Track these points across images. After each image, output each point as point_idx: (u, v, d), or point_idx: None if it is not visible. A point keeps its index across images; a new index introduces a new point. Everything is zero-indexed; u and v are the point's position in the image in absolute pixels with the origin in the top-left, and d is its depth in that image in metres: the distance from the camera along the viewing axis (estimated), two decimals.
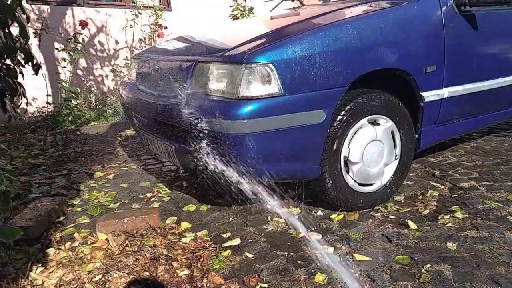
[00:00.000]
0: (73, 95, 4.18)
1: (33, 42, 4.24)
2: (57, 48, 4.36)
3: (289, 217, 1.87)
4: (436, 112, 2.22)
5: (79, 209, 2.20)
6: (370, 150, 1.96)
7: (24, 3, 4.40)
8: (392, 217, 1.96)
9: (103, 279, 1.53)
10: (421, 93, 2.09)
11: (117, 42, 5.10)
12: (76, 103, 4.36)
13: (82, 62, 4.82)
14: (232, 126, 1.63)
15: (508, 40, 2.56)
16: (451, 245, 1.66)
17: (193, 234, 1.86)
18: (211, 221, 2.00)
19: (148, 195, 2.36)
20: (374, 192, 2.04)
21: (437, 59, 2.13)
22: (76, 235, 1.87)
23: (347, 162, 1.95)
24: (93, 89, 4.90)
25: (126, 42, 5.12)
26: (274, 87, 1.66)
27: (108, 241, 1.77)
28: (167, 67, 2.12)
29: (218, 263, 1.61)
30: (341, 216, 1.98)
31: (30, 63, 1.83)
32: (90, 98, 4.76)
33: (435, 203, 2.07)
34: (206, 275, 1.53)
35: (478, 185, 2.26)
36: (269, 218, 2.00)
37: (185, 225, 1.96)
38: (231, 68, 1.71)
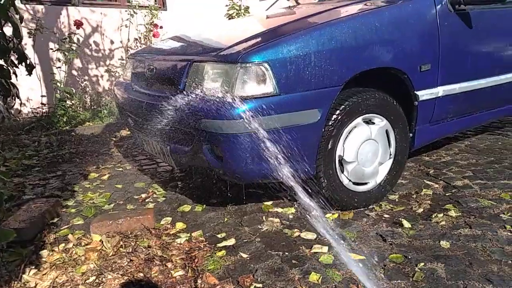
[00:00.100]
0: (68, 95, 4.16)
1: (28, 42, 4.22)
2: (51, 48, 4.33)
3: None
4: (431, 111, 2.22)
5: (73, 210, 2.19)
6: (365, 149, 1.96)
7: (18, 3, 4.39)
8: (386, 216, 1.96)
9: (97, 280, 1.52)
10: (415, 92, 2.10)
11: (112, 42, 5.08)
12: (71, 103, 4.34)
13: (77, 62, 4.80)
14: (227, 125, 1.62)
15: (502, 39, 2.58)
16: (444, 244, 1.66)
17: (188, 235, 1.85)
18: (206, 221, 2.00)
19: (143, 195, 2.36)
20: (368, 191, 2.05)
21: (432, 58, 2.13)
22: (70, 236, 1.86)
23: (341, 162, 1.95)
24: (88, 89, 4.88)
25: (121, 42, 5.11)
26: (269, 87, 1.66)
27: (102, 242, 1.77)
28: (162, 67, 2.11)
29: (213, 264, 1.60)
30: (335, 215, 1.98)
31: (23, 64, 1.82)
32: (85, 99, 4.74)
33: (429, 201, 2.08)
34: (200, 276, 1.52)
35: (471, 184, 2.27)
36: (264, 218, 2.00)
37: (180, 225, 1.95)
38: (226, 67, 1.71)
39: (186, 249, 1.73)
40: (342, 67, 1.80)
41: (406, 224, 1.84)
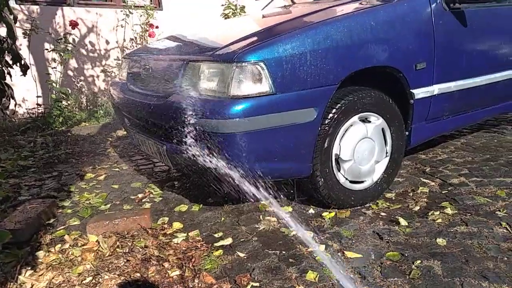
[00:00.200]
0: (64, 96, 4.14)
1: (23, 42, 4.20)
2: (47, 49, 4.32)
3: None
4: (426, 109, 2.23)
5: (69, 211, 2.18)
6: (361, 147, 1.97)
7: (12, 3, 4.36)
8: (383, 214, 1.97)
9: (93, 281, 1.52)
10: (411, 90, 2.10)
11: (108, 42, 5.06)
12: (66, 104, 4.33)
13: (73, 63, 4.78)
14: (223, 125, 1.62)
15: (497, 37, 2.59)
16: (440, 241, 1.67)
17: (185, 234, 1.85)
18: (203, 221, 2.00)
19: (140, 195, 2.35)
20: (365, 189, 2.05)
21: (427, 56, 2.14)
22: (66, 237, 1.85)
23: (338, 160, 1.95)
24: (84, 89, 4.87)
25: (117, 42, 5.09)
26: (265, 86, 1.66)
27: (98, 242, 1.76)
28: (157, 66, 2.11)
29: (210, 263, 1.60)
30: (332, 214, 1.98)
31: (18, 64, 1.82)
32: (81, 99, 4.72)
33: (425, 199, 2.09)
34: (197, 275, 1.52)
35: (468, 181, 2.28)
36: (261, 217, 2.00)
37: (176, 225, 1.95)
38: (222, 67, 1.71)
39: (183, 248, 1.73)
40: (338, 66, 1.80)
41: (403, 222, 1.85)
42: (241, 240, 1.78)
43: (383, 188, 2.13)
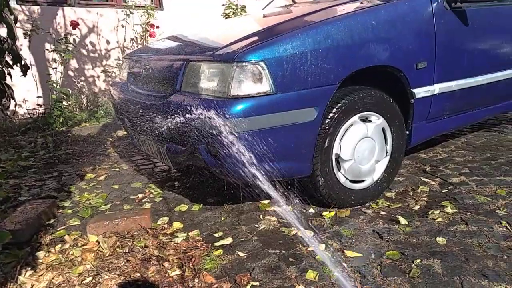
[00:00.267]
0: (64, 96, 4.15)
1: (23, 43, 4.20)
2: (47, 49, 4.32)
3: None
4: (427, 109, 2.23)
5: (69, 211, 2.18)
6: (361, 147, 1.97)
7: (13, 3, 4.37)
8: (383, 213, 1.97)
9: (93, 281, 1.52)
10: (412, 89, 2.10)
11: (108, 42, 5.06)
12: (67, 104, 4.33)
13: (73, 63, 4.78)
14: (224, 125, 1.62)
15: (498, 36, 2.59)
16: (440, 240, 1.67)
17: (185, 234, 1.85)
18: (203, 220, 2.00)
19: (140, 196, 2.35)
20: (365, 188, 2.05)
21: (428, 56, 2.14)
22: (66, 237, 1.85)
23: (338, 160, 1.95)
24: (84, 90, 4.87)
25: (117, 42, 5.09)
26: (265, 86, 1.66)
27: (99, 242, 1.76)
28: (158, 66, 2.11)
29: (210, 263, 1.60)
30: (332, 213, 1.98)
31: (18, 65, 1.82)
32: (81, 99, 4.73)
33: (425, 198, 2.09)
34: (197, 275, 1.52)
35: (468, 180, 2.28)
36: (261, 216, 2.00)
37: (176, 225, 1.95)
38: (222, 66, 1.71)
39: (183, 248, 1.73)
40: (338, 65, 1.80)
41: (403, 221, 1.85)
42: (241, 239, 1.78)
43: (383, 187, 2.13)
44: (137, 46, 4.98)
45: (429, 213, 1.91)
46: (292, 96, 1.70)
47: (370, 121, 2.01)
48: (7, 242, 1.75)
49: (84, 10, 4.84)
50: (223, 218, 2.01)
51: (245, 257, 1.64)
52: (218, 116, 1.61)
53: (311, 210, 2.04)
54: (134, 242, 1.77)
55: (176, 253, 1.69)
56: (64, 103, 4.20)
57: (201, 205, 2.18)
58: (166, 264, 1.60)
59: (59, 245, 1.78)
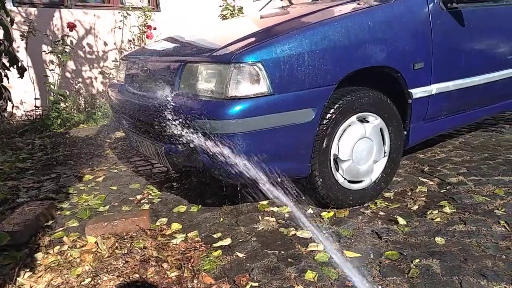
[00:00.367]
0: (62, 97, 4.14)
1: (20, 45, 4.20)
2: (44, 51, 4.31)
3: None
4: (425, 109, 2.23)
5: (68, 212, 2.18)
6: (359, 147, 1.97)
7: (10, 5, 4.35)
8: (381, 213, 1.97)
9: (92, 282, 1.51)
10: (409, 90, 2.10)
11: (105, 44, 5.06)
12: (64, 105, 4.32)
13: (71, 65, 4.78)
14: (221, 126, 1.62)
15: (495, 36, 2.60)
16: (439, 240, 1.67)
17: (184, 235, 1.85)
18: (202, 221, 2.00)
19: (138, 197, 2.35)
20: (363, 189, 2.05)
21: (425, 56, 2.14)
22: (65, 239, 1.85)
23: (336, 160, 1.95)
24: (82, 91, 4.86)
25: (115, 43, 5.09)
26: (263, 87, 1.66)
27: (97, 244, 1.76)
28: (155, 68, 2.11)
29: (209, 263, 1.60)
30: (331, 214, 1.98)
31: (15, 66, 1.82)
32: (79, 101, 4.72)
33: (424, 198, 2.09)
34: (196, 276, 1.52)
35: (466, 180, 2.28)
36: (260, 217, 2.00)
37: (175, 226, 1.95)
38: (219, 68, 1.71)
39: (182, 249, 1.73)
40: (335, 66, 1.80)
41: (401, 221, 1.85)
42: (240, 240, 1.78)
43: (381, 187, 2.14)
44: (134, 48, 4.98)
45: (428, 213, 1.92)
46: (289, 97, 1.71)
47: (368, 121, 2.01)
48: (5, 244, 1.75)
49: (81, 11, 4.84)
50: (221, 219, 2.01)
51: (244, 257, 1.64)
52: (216, 117, 1.61)
53: (310, 211, 2.04)
54: (133, 243, 1.77)
55: (175, 254, 1.69)
56: (61, 104, 4.20)
57: (200, 206, 2.18)
58: (165, 265, 1.60)
59: (58, 247, 1.78)
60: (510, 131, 3.23)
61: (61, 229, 1.98)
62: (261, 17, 2.70)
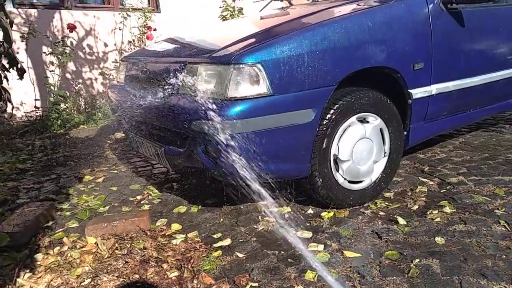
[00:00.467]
0: (62, 98, 4.14)
1: (20, 46, 4.21)
2: (44, 52, 4.32)
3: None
4: (424, 109, 2.23)
5: (68, 213, 2.18)
6: (360, 148, 1.97)
7: (10, 7, 4.36)
8: (381, 213, 1.97)
9: (92, 283, 1.51)
10: (409, 90, 2.10)
11: (106, 45, 5.06)
12: (65, 106, 4.33)
13: (71, 66, 4.78)
14: (221, 126, 1.62)
15: (494, 37, 2.60)
16: (439, 240, 1.67)
17: (184, 236, 1.85)
18: (202, 222, 2.00)
19: (138, 197, 2.35)
20: (364, 189, 2.05)
21: (425, 56, 2.14)
22: (65, 239, 1.85)
23: (336, 160, 1.95)
24: (82, 92, 4.86)
25: (115, 44, 5.09)
26: (262, 87, 1.66)
27: (97, 244, 1.76)
28: (155, 69, 2.11)
29: (209, 264, 1.60)
30: (331, 214, 1.98)
31: (14, 68, 1.82)
32: (79, 102, 4.72)
33: (424, 198, 2.09)
34: (196, 276, 1.52)
35: (466, 180, 2.28)
36: (259, 217, 2.00)
37: (175, 226, 1.95)
38: (219, 68, 1.71)
39: (182, 250, 1.73)
40: (335, 67, 1.80)
41: (401, 221, 1.85)
42: (240, 240, 1.78)
43: (381, 187, 2.13)
44: (134, 49, 4.98)
45: (428, 213, 1.92)
46: (289, 97, 1.71)
47: (367, 122, 2.01)
48: (5, 244, 1.75)
49: (81, 13, 4.84)
50: (221, 219, 2.01)
51: (244, 258, 1.64)
52: (216, 118, 1.61)
53: (310, 211, 2.04)
54: (133, 244, 1.77)
55: (175, 255, 1.69)
56: (62, 105, 4.20)
57: (200, 206, 2.18)
58: (165, 266, 1.60)
59: (58, 247, 1.78)
60: (510, 131, 3.23)
61: (61, 229, 1.98)
62: (261, 18, 2.70)
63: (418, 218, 1.88)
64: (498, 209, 1.91)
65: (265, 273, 1.52)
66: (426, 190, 2.20)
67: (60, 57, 4.12)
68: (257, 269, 1.55)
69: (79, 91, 4.84)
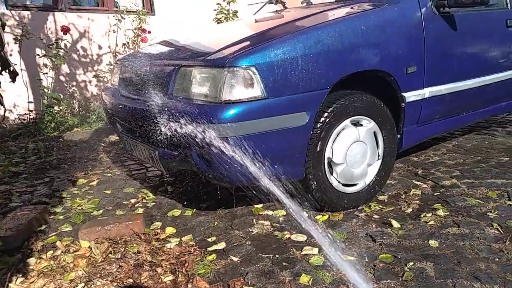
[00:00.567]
0: (56, 101, 4.12)
1: (14, 48, 4.18)
2: (38, 54, 4.29)
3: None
4: (418, 112, 2.25)
5: (61, 217, 2.16)
6: (353, 151, 1.98)
7: (3, 9, 4.33)
8: (376, 216, 1.98)
9: (85, 287, 1.50)
10: (402, 93, 2.12)
11: (100, 47, 5.04)
12: (58, 109, 4.30)
13: (65, 68, 4.75)
14: (215, 129, 1.62)
15: (487, 40, 2.62)
16: (433, 243, 1.68)
17: (178, 239, 1.84)
18: (196, 225, 1.99)
19: (132, 201, 2.34)
20: (358, 192, 2.06)
21: (418, 60, 2.16)
22: (58, 243, 1.83)
23: (330, 163, 1.96)
24: (76, 95, 4.84)
25: (109, 47, 5.07)
26: (256, 91, 1.66)
27: (91, 248, 1.75)
28: (149, 71, 2.11)
29: (203, 268, 1.60)
30: (325, 217, 1.99)
31: (7, 71, 1.80)
32: (73, 104, 4.69)
33: (417, 201, 2.10)
34: (190, 280, 1.51)
35: (459, 183, 2.30)
36: (254, 221, 1.99)
37: (169, 230, 1.94)
38: (213, 72, 1.71)
39: (176, 253, 1.72)
40: (329, 70, 1.81)
41: (395, 224, 1.86)
42: (235, 244, 1.78)
43: (375, 190, 2.14)
44: (128, 51, 4.96)
45: (422, 216, 1.93)
46: (283, 100, 1.71)
47: (361, 125, 2.02)
48: None
49: (75, 15, 4.82)
50: (216, 223, 2.00)
51: (239, 261, 1.64)
52: (210, 121, 1.61)
53: (304, 214, 2.04)
54: (127, 248, 1.76)
55: (169, 259, 1.68)
56: (55, 108, 4.17)
57: (194, 209, 2.17)
58: (159, 270, 1.59)
59: (51, 252, 1.77)
60: (502, 134, 3.26)
61: (54, 233, 1.97)
62: (256, 21, 2.71)
63: (412, 221, 1.89)
64: (491, 212, 1.92)
65: (259, 277, 1.52)
66: (419, 193, 2.21)
67: (53, 59, 4.09)
68: (252, 273, 1.54)
69: (73, 93, 4.81)
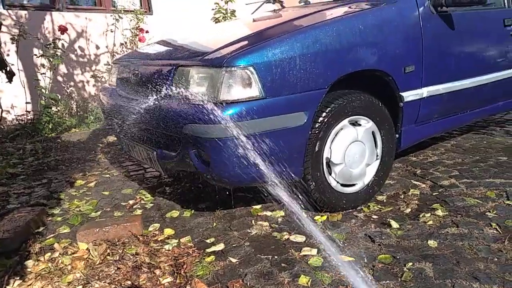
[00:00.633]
0: (53, 102, 4.10)
1: (11, 48, 4.16)
2: (35, 54, 4.27)
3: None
4: (416, 112, 2.25)
5: (59, 218, 2.15)
6: (352, 151, 1.97)
7: (0, 8, 4.29)
8: (374, 216, 1.97)
9: None
10: (400, 93, 2.12)
11: (97, 47, 5.02)
12: (56, 110, 4.28)
13: (62, 68, 4.73)
14: (213, 130, 1.62)
15: (484, 40, 2.62)
16: (432, 243, 1.68)
17: (176, 241, 1.83)
18: (195, 226, 1.99)
19: (131, 202, 2.33)
20: (356, 192, 2.06)
21: (416, 59, 2.16)
22: (56, 245, 1.82)
23: (329, 164, 1.95)
24: (74, 95, 4.82)
25: (107, 46, 5.06)
26: (254, 90, 1.66)
27: (89, 250, 1.74)
28: (147, 71, 2.10)
29: (202, 269, 1.59)
30: (324, 217, 1.98)
31: (3, 71, 1.80)
32: (71, 105, 4.67)
33: (416, 201, 2.10)
34: (189, 282, 1.51)
35: (458, 183, 2.30)
36: (253, 222, 1.99)
37: (168, 231, 1.93)
38: (211, 71, 1.71)
39: (175, 255, 1.72)
40: (327, 69, 1.81)
41: (394, 224, 1.85)
42: (233, 245, 1.77)
43: (374, 191, 2.14)
44: (126, 51, 4.95)
45: (420, 216, 1.92)
46: (281, 100, 1.71)
47: (360, 125, 2.02)
48: None
49: (73, 14, 4.80)
50: (214, 224, 2.00)
51: (237, 263, 1.63)
52: (208, 121, 1.61)
53: (303, 215, 2.04)
54: (125, 250, 1.75)
55: (168, 260, 1.67)
56: (53, 108, 4.16)
57: (193, 211, 2.16)
58: (158, 272, 1.59)
59: (49, 254, 1.76)
60: (500, 134, 3.26)
61: (52, 235, 1.96)
62: (254, 21, 2.70)
63: (410, 221, 1.89)
64: (489, 211, 1.92)
65: (258, 278, 1.51)
66: (418, 193, 2.21)
67: (51, 59, 4.08)
68: (251, 274, 1.54)
69: (71, 94, 4.80)
